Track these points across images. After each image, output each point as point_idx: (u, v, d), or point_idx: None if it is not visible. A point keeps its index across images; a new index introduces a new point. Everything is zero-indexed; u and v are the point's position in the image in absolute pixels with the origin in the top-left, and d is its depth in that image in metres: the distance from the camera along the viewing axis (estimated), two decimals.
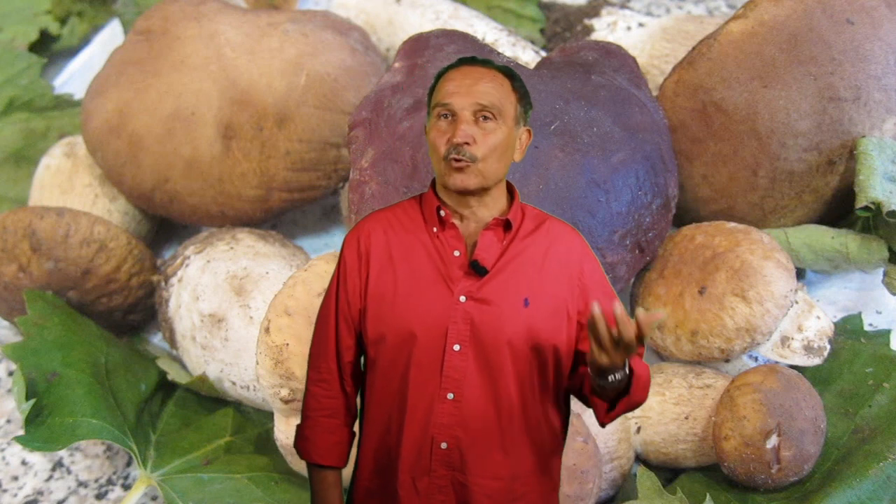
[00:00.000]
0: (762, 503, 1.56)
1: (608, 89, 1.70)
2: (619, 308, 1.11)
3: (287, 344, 1.53)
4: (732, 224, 1.71)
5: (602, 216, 1.59)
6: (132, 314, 1.95)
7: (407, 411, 1.22)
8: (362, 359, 1.29)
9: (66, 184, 2.03)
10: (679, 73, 1.76)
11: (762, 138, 1.72)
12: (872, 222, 1.76)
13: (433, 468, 1.22)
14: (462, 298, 1.21)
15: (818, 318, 1.67)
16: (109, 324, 1.92)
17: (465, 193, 1.21)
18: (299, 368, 1.52)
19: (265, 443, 1.75)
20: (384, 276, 1.24)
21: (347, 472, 1.32)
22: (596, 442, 1.56)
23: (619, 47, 1.81)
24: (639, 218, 1.64)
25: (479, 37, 2.02)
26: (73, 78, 2.43)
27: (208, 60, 1.93)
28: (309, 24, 1.98)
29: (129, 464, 1.81)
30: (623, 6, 2.33)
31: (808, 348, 1.65)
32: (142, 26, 2.01)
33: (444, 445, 1.21)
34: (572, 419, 1.31)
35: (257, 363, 1.57)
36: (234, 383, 1.76)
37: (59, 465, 1.81)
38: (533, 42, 2.25)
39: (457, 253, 1.22)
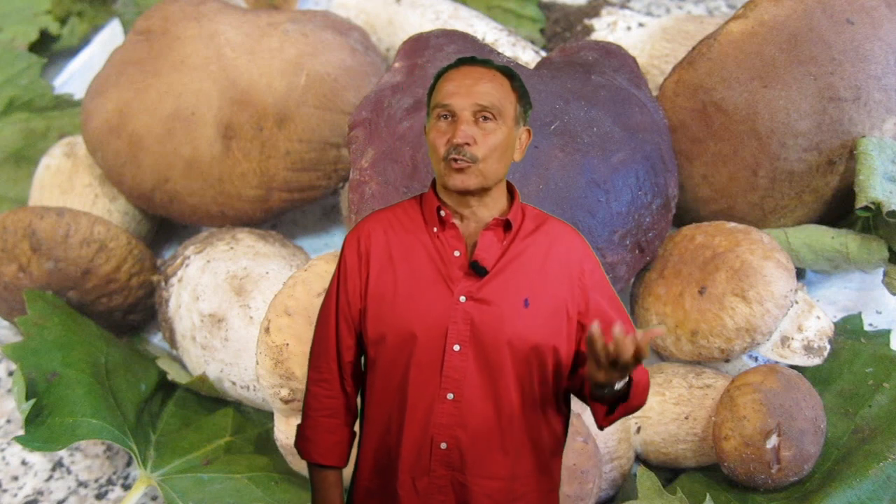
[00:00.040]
0: (762, 503, 1.56)
1: (608, 89, 1.70)
2: (618, 328, 1.11)
3: (287, 344, 1.53)
4: (732, 224, 1.71)
5: (602, 216, 1.59)
6: (132, 314, 1.95)
7: (407, 411, 1.22)
8: (363, 359, 1.29)
9: (66, 184, 2.03)
10: (679, 73, 1.76)
11: (762, 138, 1.72)
12: (872, 222, 1.76)
13: (433, 468, 1.22)
14: (462, 299, 1.21)
15: (818, 318, 1.67)
16: (109, 324, 1.92)
17: (465, 194, 1.21)
18: (299, 368, 1.52)
19: (265, 443, 1.75)
20: (384, 276, 1.24)
21: (348, 472, 1.32)
22: (596, 442, 1.56)
23: (619, 47, 1.81)
24: (639, 218, 1.64)
25: (479, 37, 2.02)
26: (73, 78, 2.43)
27: (208, 60, 1.93)
28: (309, 24, 1.98)
29: (129, 464, 1.81)
30: (623, 6, 2.33)
31: (808, 348, 1.65)
32: (142, 26, 2.01)
33: (443, 445, 1.21)
34: (572, 419, 1.31)
35: (257, 363, 1.57)
36: (234, 383, 1.76)
37: (59, 465, 1.81)
38: (533, 42, 2.25)
39: (457, 253, 1.22)
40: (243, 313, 1.75)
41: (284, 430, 1.60)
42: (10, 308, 1.88)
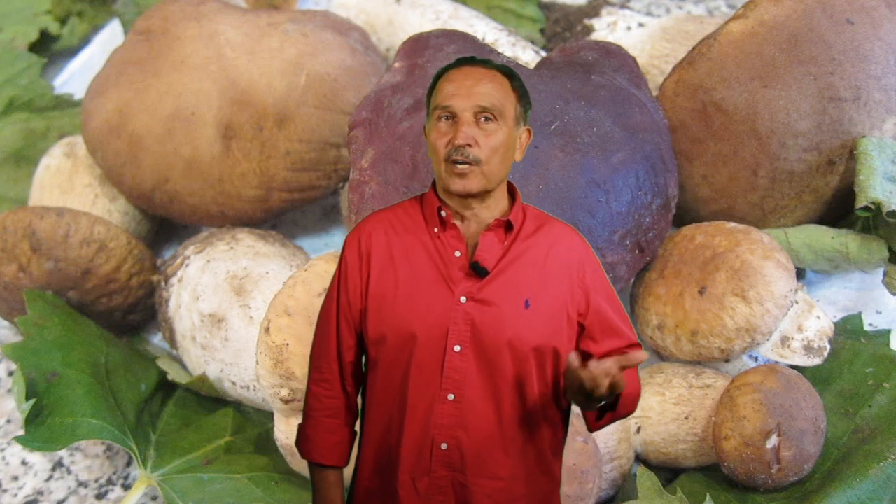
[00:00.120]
0: (762, 503, 1.56)
1: (608, 89, 1.70)
2: (593, 363, 1.13)
3: (287, 344, 1.53)
4: (732, 224, 1.71)
5: (602, 216, 1.59)
6: (132, 314, 1.95)
7: (407, 412, 1.22)
8: (363, 359, 1.29)
9: (66, 184, 2.03)
10: (679, 73, 1.76)
11: (762, 138, 1.72)
12: (872, 222, 1.76)
13: (433, 469, 1.22)
14: (463, 299, 1.21)
15: (818, 318, 1.67)
16: (109, 324, 1.92)
17: (467, 197, 1.21)
18: (299, 368, 1.52)
19: (265, 443, 1.75)
20: (385, 276, 1.24)
21: (348, 472, 1.32)
22: (596, 442, 1.56)
23: (619, 47, 1.81)
24: (639, 218, 1.64)
25: (479, 37, 2.02)
26: (73, 78, 2.43)
27: (208, 60, 1.93)
28: (309, 24, 1.98)
29: (129, 464, 1.81)
30: (623, 6, 2.33)
31: (808, 348, 1.65)
32: (142, 26, 2.01)
33: (444, 446, 1.21)
34: (572, 419, 1.31)
35: (257, 363, 1.57)
36: (234, 383, 1.76)
37: (59, 465, 1.81)
38: (533, 42, 2.25)
39: (458, 254, 1.22)
40: (243, 313, 1.75)
41: (284, 430, 1.60)
42: (10, 308, 1.88)
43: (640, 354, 1.14)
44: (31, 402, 1.60)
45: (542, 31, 2.31)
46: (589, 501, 1.53)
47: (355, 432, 1.31)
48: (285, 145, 1.89)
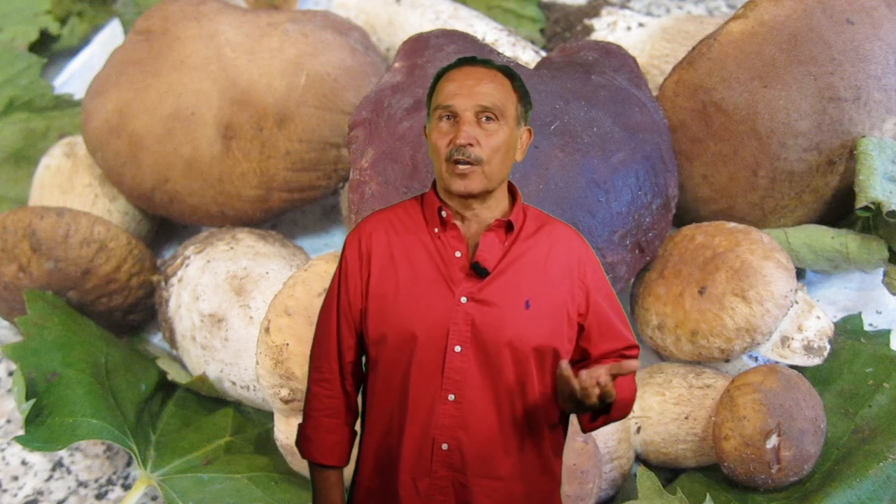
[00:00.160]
0: (762, 503, 1.56)
1: (608, 89, 1.70)
2: (584, 373, 1.14)
3: (287, 344, 1.53)
4: (732, 224, 1.71)
5: (602, 216, 1.59)
6: (132, 314, 1.95)
7: (408, 412, 1.22)
8: (363, 359, 1.29)
9: (66, 184, 2.03)
10: (679, 73, 1.76)
11: (762, 138, 1.72)
12: (872, 222, 1.76)
13: (434, 469, 1.22)
14: (463, 300, 1.21)
15: (818, 318, 1.67)
16: (109, 324, 1.92)
17: (468, 197, 1.21)
18: (299, 368, 1.52)
19: (265, 443, 1.75)
20: (385, 276, 1.24)
21: (348, 472, 1.32)
22: (596, 442, 1.56)
23: (619, 47, 1.81)
24: (639, 218, 1.64)
25: (479, 37, 2.02)
26: (73, 78, 2.43)
27: (208, 60, 1.93)
28: (309, 24, 1.98)
29: (129, 464, 1.81)
30: (623, 6, 2.33)
31: (808, 348, 1.65)
32: (142, 26, 2.01)
33: (445, 447, 1.21)
34: (572, 419, 1.31)
35: (257, 363, 1.57)
36: (234, 383, 1.76)
37: (59, 465, 1.81)
38: (533, 42, 2.25)
39: (458, 254, 1.22)
40: (243, 313, 1.75)
41: (284, 430, 1.60)
42: (10, 308, 1.88)
43: (633, 363, 1.14)
44: (31, 402, 1.60)
45: (542, 31, 2.31)
46: (589, 501, 1.53)
47: (355, 432, 1.31)
48: (285, 145, 1.89)
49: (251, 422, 1.80)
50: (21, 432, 1.60)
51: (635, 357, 1.27)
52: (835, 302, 1.87)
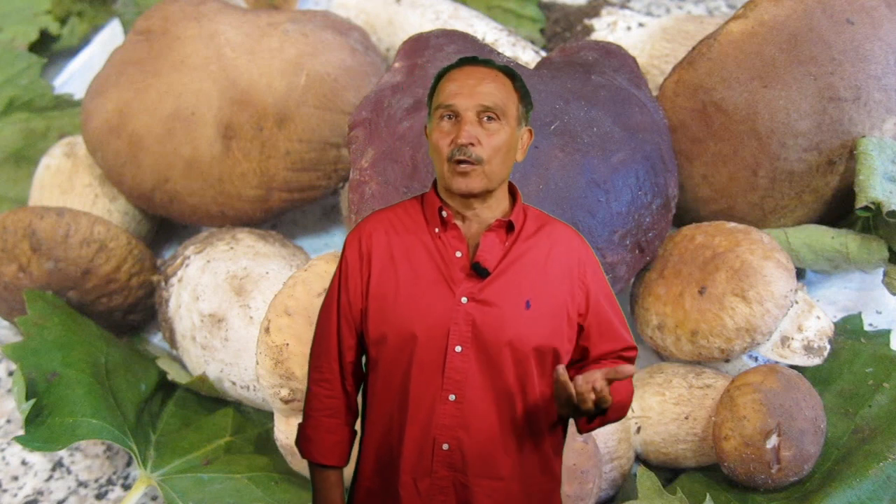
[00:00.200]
0: (762, 503, 1.56)
1: (608, 89, 1.70)
2: (580, 379, 1.14)
3: (287, 344, 1.53)
4: (732, 224, 1.71)
5: (602, 216, 1.59)
6: (132, 314, 1.95)
7: (408, 412, 1.22)
8: (364, 358, 1.29)
9: (66, 184, 2.03)
10: (679, 73, 1.76)
11: (762, 138, 1.72)
12: (872, 222, 1.76)
13: (434, 469, 1.22)
14: (464, 300, 1.21)
15: (818, 318, 1.67)
16: (109, 324, 1.92)
17: (469, 197, 1.21)
18: (299, 368, 1.52)
19: (265, 443, 1.75)
20: (385, 276, 1.24)
21: (348, 472, 1.32)
22: (596, 442, 1.56)
23: (619, 47, 1.81)
24: (639, 218, 1.64)
25: (479, 37, 2.02)
26: (73, 78, 2.43)
27: (208, 60, 1.93)
28: (309, 24, 1.98)
29: (129, 464, 1.81)
30: (623, 6, 2.33)
31: (808, 348, 1.65)
32: (142, 26, 2.01)
33: (445, 447, 1.21)
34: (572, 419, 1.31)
35: (257, 363, 1.57)
36: (234, 383, 1.76)
37: (59, 465, 1.81)
38: (533, 42, 2.25)
39: (459, 254, 1.22)
40: (243, 313, 1.75)
41: (284, 430, 1.60)
42: (10, 308, 1.88)
43: (629, 368, 1.15)
44: (31, 402, 1.60)
45: (542, 31, 2.31)
46: (589, 501, 1.53)
47: (355, 432, 1.31)
48: (285, 145, 1.89)
49: (251, 422, 1.80)
50: (21, 432, 1.60)
51: (633, 358, 1.27)
52: (835, 302, 1.87)
